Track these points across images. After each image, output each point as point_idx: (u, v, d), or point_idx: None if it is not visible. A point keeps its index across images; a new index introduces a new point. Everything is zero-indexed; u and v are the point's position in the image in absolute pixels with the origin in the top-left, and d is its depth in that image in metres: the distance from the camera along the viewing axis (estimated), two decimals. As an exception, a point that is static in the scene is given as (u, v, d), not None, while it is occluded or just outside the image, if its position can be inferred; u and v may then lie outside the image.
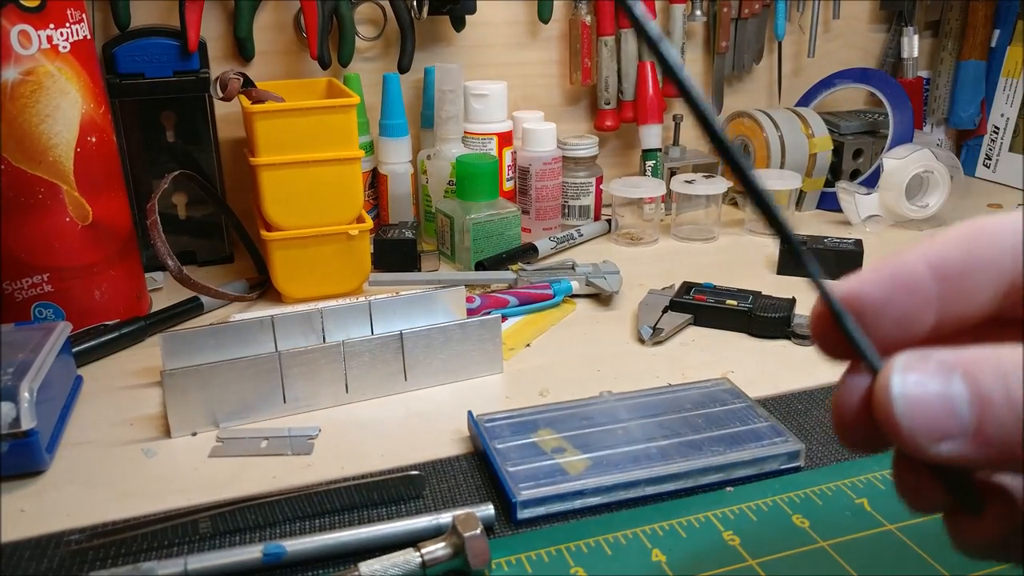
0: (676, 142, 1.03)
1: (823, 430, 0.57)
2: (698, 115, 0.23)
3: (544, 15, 0.98)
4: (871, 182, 1.00)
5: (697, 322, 0.72)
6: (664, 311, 0.72)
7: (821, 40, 1.13)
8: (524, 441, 0.52)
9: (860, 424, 0.22)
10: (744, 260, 0.88)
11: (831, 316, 0.23)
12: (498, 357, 0.64)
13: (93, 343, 0.66)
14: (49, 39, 0.63)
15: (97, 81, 0.67)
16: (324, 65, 0.87)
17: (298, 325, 0.61)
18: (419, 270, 0.83)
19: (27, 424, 0.50)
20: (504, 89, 0.90)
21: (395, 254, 0.82)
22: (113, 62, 0.77)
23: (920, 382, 0.21)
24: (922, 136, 1.07)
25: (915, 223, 0.96)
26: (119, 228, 0.71)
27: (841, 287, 0.24)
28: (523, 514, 0.47)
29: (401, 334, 0.60)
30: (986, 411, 0.20)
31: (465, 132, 0.90)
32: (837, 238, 0.85)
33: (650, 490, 0.49)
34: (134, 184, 0.80)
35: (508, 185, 0.93)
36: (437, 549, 0.42)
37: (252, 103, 0.72)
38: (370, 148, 0.91)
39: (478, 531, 0.42)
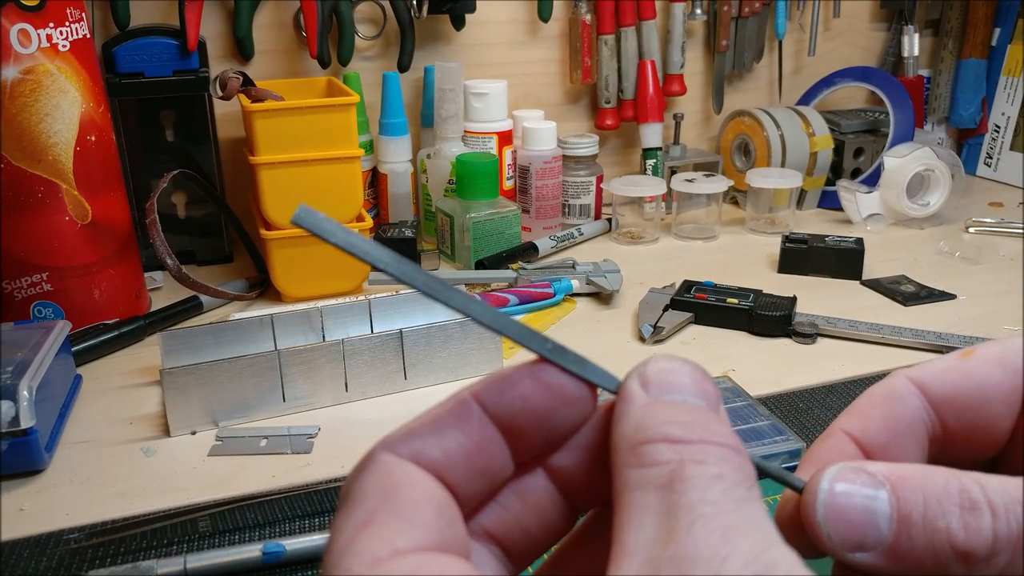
0: (676, 141, 1.03)
1: (824, 429, 0.56)
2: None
3: (544, 14, 0.97)
4: (872, 181, 1.00)
5: (698, 320, 0.72)
6: (665, 309, 0.72)
7: (821, 39, 1.13)
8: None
9: (787, 533, 0.24)
10: (745, 258, 0.88)
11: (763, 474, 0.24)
12: (498, 355, 0.64)
13: (92, 342, 0.66)
14: (48, 38, 0.62)
15: (96, 80, 0.67)
16: (324, 64, 0.87)
17: (297, 324, 0.61)
18: (419, 269, 0.83)
19: (26, 423, 0.50)
20: (504, 88, 0.90)
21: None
22: (112, 61, 0.77)
23: (847, 492, 0.22)
24: (923, 135, 1.07)
25: (916, 221, 0.96)
26: (118, 227, 0.71)
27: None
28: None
29: (401, 332, 0.60)
30: (902, 529, 0.21)
31: (465, 131, 0.90)
32: (838, 236, 0.84)
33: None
34: (133, 183, 0.80)
35: (508, 184, 0.92)
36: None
37: (251, 102, 0.72)
38: (370, 147, 0.91)
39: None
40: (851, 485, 0.22)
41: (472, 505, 0.22)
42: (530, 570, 0.24)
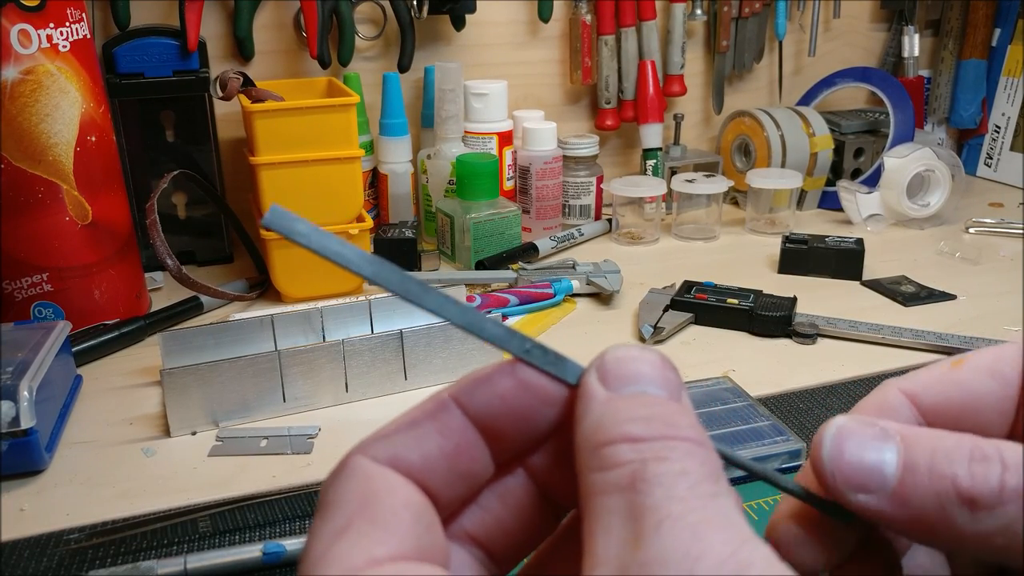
0: (677, 141, 1.03)
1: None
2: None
3: (544, 14, 0.97)
4: (872, 181, 1.00)
5: (698, 321, 0.72)
6: (665, 310, 0.72)
7: (822, 39, 1.13)
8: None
9: (793, 532, 0.24)
10: (745, 259, 0.88)
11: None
12: (498, 356, 0.64)
13: (93, 342, 0.66)
14: (49, 38, 0.62)
15: (97, 80, 0.67)
16: (324, 64, 0.87)
17: (298, 324, 0.61)
18: (419, 270, 0.83)
19: (26, 423, 0.50)
20: (504, 88, 0.90)
21: (395, 254, 0.82)
22: (113, 61, 0.77)
23: (854, 436, 0.22)
24: (923, 135, 1.07)
25: (916, 222, 0.96)
26: (119, 227, 0.71)
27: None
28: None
29: (401, 333, 0.60)
30: (908, 476, 0.21)
31: (465, 131, 0.90)
32: (838, 237, 0.84)
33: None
34: (134, 184, 0.80)
35: (508, 184, 0.92)
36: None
37: (252, 102, 0.72)
38: (370, 147, 0.91)
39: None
40: (860, 428, 0.22)
41: (452, 508, 0.21)
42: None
